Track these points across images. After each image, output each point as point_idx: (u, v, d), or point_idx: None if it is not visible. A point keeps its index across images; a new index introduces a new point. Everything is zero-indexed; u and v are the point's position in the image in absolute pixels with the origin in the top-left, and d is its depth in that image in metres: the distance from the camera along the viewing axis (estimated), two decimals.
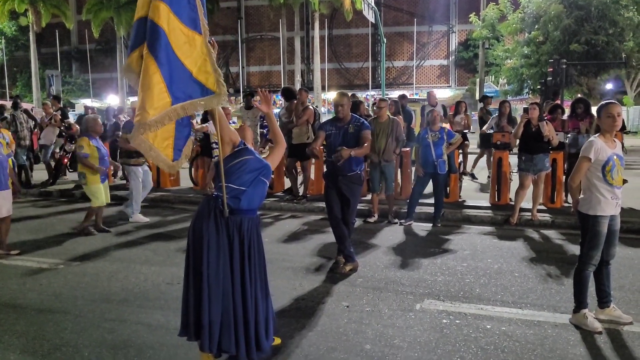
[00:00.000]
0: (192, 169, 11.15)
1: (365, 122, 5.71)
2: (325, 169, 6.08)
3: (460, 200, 9.29)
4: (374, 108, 8.19)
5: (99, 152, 7.34)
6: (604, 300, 4.25)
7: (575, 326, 4.12)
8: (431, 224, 7.93)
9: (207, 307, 3.17)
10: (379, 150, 7.82)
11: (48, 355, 3.75)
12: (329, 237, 7.26)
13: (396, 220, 8.12)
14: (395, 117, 8.36)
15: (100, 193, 7.38)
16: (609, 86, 26.89)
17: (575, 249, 6.55)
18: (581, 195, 4.20)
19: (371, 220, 8.13)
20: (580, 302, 4.17)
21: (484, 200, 9.22)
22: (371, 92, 30.78)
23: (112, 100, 33.15)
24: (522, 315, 4.41)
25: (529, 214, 7.99)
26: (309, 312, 4.49)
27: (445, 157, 7.78)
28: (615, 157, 4.05)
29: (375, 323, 4.25)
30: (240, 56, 36.34)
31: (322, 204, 9.12)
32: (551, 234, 7.39)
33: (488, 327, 4.17)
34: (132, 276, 5.53)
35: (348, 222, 5.67)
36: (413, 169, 10.89)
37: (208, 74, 3.06)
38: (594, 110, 10.53)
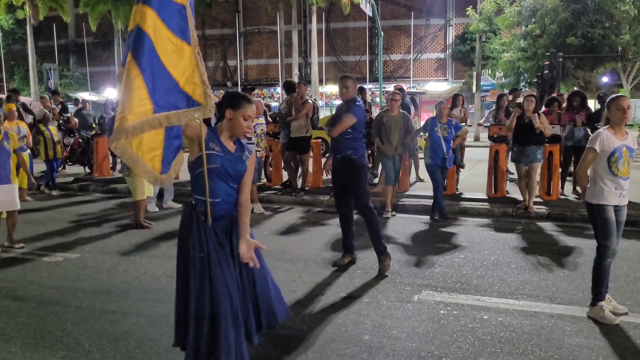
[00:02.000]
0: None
1: (359, 106, 5.48)
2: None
3: (457, 192, 9.34)
4: (389, 100, 8.05)
5: None
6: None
7: (593, 320, 4.10)
8: (428, 217, 7.98)
9: (192, 323, 3.06)
10: (393, 143, 7.78)
11: (49, 347, 3.78)
12: (327, 229, 7.32)
13: (394, 213, 8.18)
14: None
15: (140, 186, 7.40)
16: (605, 79, 26.91)
17: (570, 241, 6.63)
18: (588, 185, 4.26)
19: (387, 215, 7.98)
20: (597, 295, 4.17)
21: (481, 192, 9.27)
22: (369, 85, 30.74)
23: (109, 93, 33.03)
24: (518, 306, 4.47)
25: (524, 205, 8.05)
26: (307, 304, 4.53)
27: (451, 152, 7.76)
28: (624, 148, 4.09)
29: (374, 314, 4.30)
30: (238, 49, 36.21)
31: (320, 197, 9.18)
32: (547, 225, 7.45)
33: (485, 317, 4.22)
34: (132, 269, 5.56)
35: (361, 210, 5.48)
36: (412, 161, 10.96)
37: (195, 86, 2.98)
38: (590, 103, 10.57)
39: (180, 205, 8.70)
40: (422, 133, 8.13)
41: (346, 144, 5.47)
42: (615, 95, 4.34)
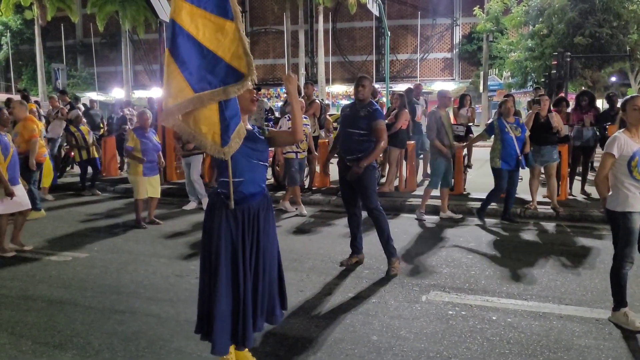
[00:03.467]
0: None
1: (380, 110, 5.45)
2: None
3: (465, 192, 9.31)
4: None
5: (145, 145, 7.41)
6: None
7: (615, 324, 4.06)
8: (438, 217, 7.97)
9: (218, 303, 3.17)
10: (452, 145, 7.64)
11: (59, 347, 3.81)
12: (334, 229, 7.32)
13: (460, 215, 8.01)
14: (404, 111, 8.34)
15: (140, 185, 7.43)
16: (613, 79, 26.74)
17: (579, 241, 6.61)
18: (609, 193, 4.12)
19: (422, 217, 7.82)
20: (619, 301, 4.08)
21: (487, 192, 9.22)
22: (375, 85, 30.75)
23: (117, 93, 33.21)
24: (527, 306, 4.45)
25: (532, 206, 8.04)
26: (315, 304, 4.54)
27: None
28: None
29: (382, 314, 4.30)
30: None
31: (328, 197, 9.19)
32: (556, 226, 7.41)
33: (494, 318, 4.21)
34: (141, 269, 5.59)
35: (370, 212, 5.37)
36: (420, 161, 10.94)
37: (240, 59, 3.11)
38: (598, 103, 10.51)
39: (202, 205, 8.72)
40: (486, 137, 7.58)
41: (360, 145, 5.36)
42: (631, 95, 4.24)
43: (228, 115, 3.14)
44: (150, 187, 7.52)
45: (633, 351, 3.64)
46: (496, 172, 7.43)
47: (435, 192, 8.06)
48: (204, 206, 8.47)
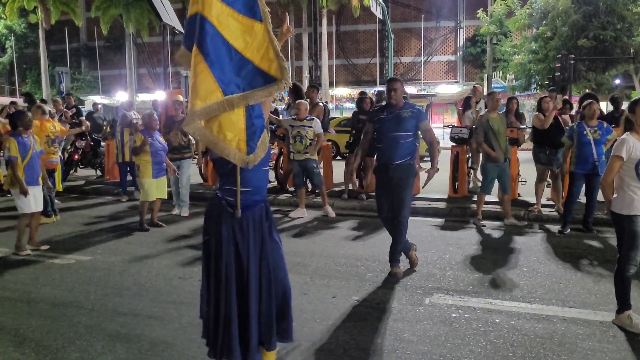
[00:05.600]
0: (202, 165, 11.21)
1: (421, 109, 5.33)
2: (375, 163, 5.72)
3: (468, 195, 9.30)
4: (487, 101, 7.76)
5: (153, 146, 7.42)
6: None
7: (619, 327, 4.04)
8: (443, 220, 7.95)
9: (230, 309, 3.11)
10: (503, 148, 7.41)
11: (62, 349, 3.81)
12: (338, 232, 7.32)
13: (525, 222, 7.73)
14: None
15: (148, 187, 7.44)
16: (617, 81, 26.67)
17: (583, 244, 6.59)
18: (614, 195, 4.09)
19: (480, 224, 7.57)
20: (623, 304, 4.06)
21: (493, 195, 9.20)
22: (379, 88, 30.77)
23: (121, 96, 33.33)
24: (530, 309, 4.44)
25: (536, 208, 8.02)
26: (319, 307, 4.54)
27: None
28: None
29: (385, 317, 4.29)
30: None
31: (331, 200, 9.18)
32: (559, 228, 7.38)
33: (497, 321, 4.20)
34: (144, 271, 5.60)
35: (398, 219, 5.24)
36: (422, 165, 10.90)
37: (271, 61, 2.98)
38: (602, 105, 10.46)
39: (187, 214, 8.65)
40: (569, 142, 7.18)
41: (409, 148, 5.24)
42: (638, 97, 4.22)
43: (255, 121, 3.03)
44: (158, 188, 7.54)
45: (637, 354, 3.62)
46: (571, 175, 7.23)
47: (440, 195, 8.03)
48: (183, 213, 8.48)
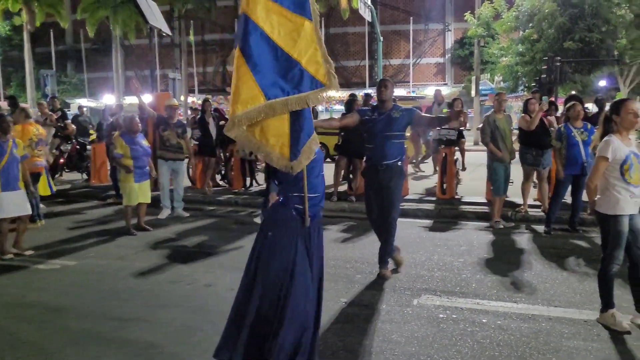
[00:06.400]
0: (190, 168, 11.21)
1: (410, 107, 5.42)
2: (364, 165, 5.71)
3: (456, 196, 9.38)
4: (494, 102, 7.77)
5: (135, 151, 7.39)
6: None
7: (604, 325, 4.10)
8: (431, 221, 8.01)
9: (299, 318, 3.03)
10: (510, 149, 7.46)
11: (56, 353, 3.81)
12: (327, 234, 7.27)
13: (502, 224, 7.72)
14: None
15: (131, 192, 7.42)
16: (603, 83, 26.99)
17: (568, 244, 6.68)
18: (599, 196, 4.15)
19: (499, 226, 7.56)
20: (606, 303, 4.13)
21: (481, 196, 9.31)
22: (368, 90, 30.88)
23: (107, 99, 33.10)
24: (517, 309, 4.50)
25: (523, 209, 8.12)
26: None
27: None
28: (633, 155, 4.00)
29: (373, 318, 4.33)
30: None
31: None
32: (545, 229, 7.47)
33: (484, 321, 4.26)
34: (134, 275, 5.60)
35: (387, 221, 5.30)
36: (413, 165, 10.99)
37: (319, 65, 2.85)
38: (587, 106, 10.60)
39: (188, 214, 8.70)
40: (557, 144, 7.18)
41: (399, 148, 5.30)
42: (622, 98, 4.28)
43: (300, 125, 2.89)
44: (141, 193, 7.51)
45: (621, 352, 3.70)
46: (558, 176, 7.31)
47: (428, 197, 8.08)
48: (162, 215, 8.46)
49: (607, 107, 6.95)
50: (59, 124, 11.98)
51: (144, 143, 7.66)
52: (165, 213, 8.62)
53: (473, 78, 28.34)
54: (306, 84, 2.84)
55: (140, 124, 7.68)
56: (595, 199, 4.17)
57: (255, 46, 2.77)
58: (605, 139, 4.11)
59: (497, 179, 7.62)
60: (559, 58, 18.24)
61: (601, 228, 4.20)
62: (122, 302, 4.82)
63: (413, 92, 30.53)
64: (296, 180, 2.99)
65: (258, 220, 7.94)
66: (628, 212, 4.04)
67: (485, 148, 7.73)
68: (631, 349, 3.74)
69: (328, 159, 15.90)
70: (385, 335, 4.01)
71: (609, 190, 4.07)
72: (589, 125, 7.17)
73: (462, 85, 33.16)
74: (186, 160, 10.74)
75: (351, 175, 9.53)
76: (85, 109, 14.07)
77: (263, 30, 2.78)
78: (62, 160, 12.07)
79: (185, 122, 10.40)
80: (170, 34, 13.76)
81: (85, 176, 12.60)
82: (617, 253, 4.07)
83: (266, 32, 2.79)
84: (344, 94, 29.04)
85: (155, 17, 11.12)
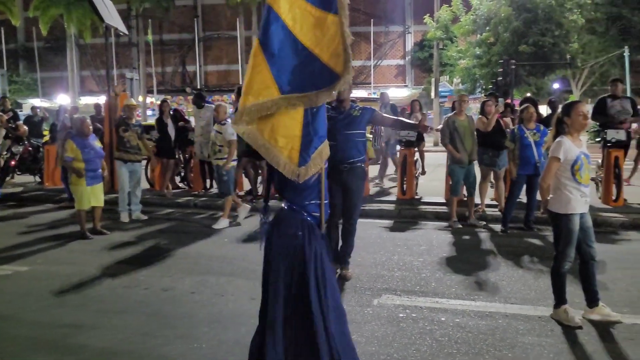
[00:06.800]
0: (148, 170, 10.98)
1: (368, 107, 5.42)
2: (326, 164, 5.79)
3: (416, 197, 9.49)
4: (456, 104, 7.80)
5: (86, 154, 7.14)
6: (593, 299, 4.26)
7: (557, 321, 4.19)
8: (392, 221, 8.07)
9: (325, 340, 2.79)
10: (468, 151, 7.51)
11: None
12: None
13: (483, 223, 7.88)
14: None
15: (83, 196, 7.17)
16: (556, 86, 27.89)
17: (524, 242, 6.84)
18: (550, 195, 4.26)
19: (455, 226, 7.66)
20: (560, 299, 4.24)
21: (440, 196, 9.45)
22: None
23: (62, 99, 32.12)
24: (474, 307, 4.58)
25: (480, 208, 8.28)
26: None
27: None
28: (583, 156, 4.11)
29: None
30: (197, 55, 35.85)
31: (282, 204, 9.16)
32: (501, 228, 7.63)
33: (442, 319, 4.30)
34: (87, 280, 5.42)
35: (349, 222, 5.31)
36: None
37: (338, 56, 2.68)
38: (541, 109, 10.92)
39: (146, 217, 8.50)
40: (511, 145, 7.33)
41: (361, 146, 5.29)
42: (572, 101, 4.40)
43: (314, 129, 2.73)
44: (94, 196, 7.28)
45: (572, 347, 3.80)
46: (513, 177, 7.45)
47: (389, 197, 8.16)
48: (124, 219, 8.27)
49: (560, 109, 7.18)
50: (10, 125, 11.53)
51: (97, 145, 7.44)
52: (124, 216, 8.40)
53: (432, 80, 28.83)
54: (325, 79, 2.69)
55: (91, 126, 7.46)
56: (548, 198, 4.28)
57: (275, 37, 2.66)
58: (557, 140, 4.21)
59: (454, 180, 7.76)
60: (514, 61, 18.76)
61: (553, 226, 4.31)
62: (74, 308, 4.66)
63: (374, 93, 30.76)
64: (313, 186, 2.85)
65: (219, 225, 7.81)
66: (579, 210, 4.15)
67: (442, 149, 7.84)
68: (582, 344, 3.85)
69: None
70: None
71: (561, 189, 4.17)
72: (542, 127, 7.38)
73: (422, 87, 33.68)
74: (144, 162, 10.54)
75: None
76: (38, 109, 13.53)
77: (285, 22, 2.67)
78: (13, 163, 11.62)
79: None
80: (126, 33, 13.44)
81: (38, 179, 12.18)
82: (568, 251, 4.18)
83: (288, 25, 2.68)
84: None
85: (111, 16, 10.84)
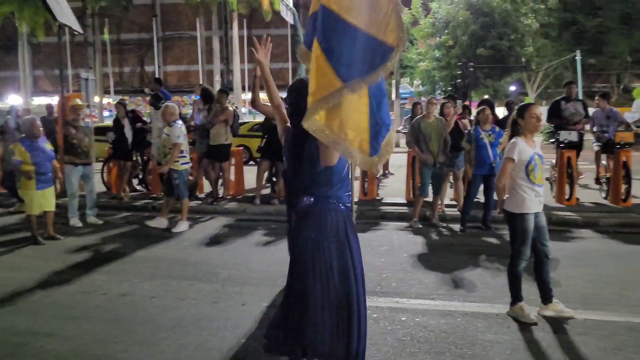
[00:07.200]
0: (104, 173, 10.72)
1: None
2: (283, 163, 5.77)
3: (377, 197, 9.58)
4: (427, 106, 7.90)
5: (36, 157, 6.88)
6: (547, 296, 4.38)
7: (513, 318, 4.29)
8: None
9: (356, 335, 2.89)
10: (433, 152, 7.58)
11: None
12: (250, 238, 7.27)
13: (443, 224, 8.01)
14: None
15: (32, 200, 6.91)
16: (513, 88, 28.69)
17: (482, 242, 7.00)
18: (506, 195, 4.36)
19: (415, 226, 7.80)
20: (516, 296, 4.34)
21: (401, 197, 9.57)
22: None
23: (13, 100, 31.03)
24: (435, 306, 4.65)
25: (440, 209, 8.43)
26: (230, 315, 4.47)
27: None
28: (536, 156, 4.24)
29: None
30: (157, 55, 35.23)
31: (244, 206, 9.10)
32: (460, 227, 7.79)
33: (403, 319, 4.35)
34: (44, 286, 5.25)
35: None
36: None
37: (392, 31, 2.74)
38: (497, 111, 11.20)
39: (101, 222, 8.27)
40: (468, 146, 7.53)
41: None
42: (526, 103, 4.53)
43: (380, 119, 2.79)
44: (44, 200, 7.03)
45: (528, 343, 3.91)
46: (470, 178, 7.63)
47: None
48: (76, 224, 7.98)
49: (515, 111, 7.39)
50: None
51: (47, 147, 7.19)
52: (75, 222, 8.12)
53: (393, 82, 29.19)
54: (381, 55, 2.75)
55: (41, 127, 7.21)
56: (504, 198, 4.39)
57: (332, 34, 2.69)
58: (511, 141, 4.34)
59: (422, 181, 7.93)
60: (472, 64, 19.21)
61: (509, 226, 4.42)
62: (29, 315, 4.50)
63: None
64: (345, 178, 2.95)
65: (179, 229, 7.68)
66: (533, 210, 4.27)
67: (403, 150, 7.96)
68: (537, 339, 3.96)
69: (251, 162, 15.81)
70: None
71: (516, 189, 4.29)
72: (497, 128, 7.61)
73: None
74: (100, 164, 10.30)
75: (274, 178, 9.49)
76: None
77: (339, 15, 2.69)
78: None
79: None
80: (81, 31, 13.06)
81: None
82: (524, 249, 4.30)
83: (342, 16, 2.69)
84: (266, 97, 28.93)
85: (65, 14, 10.50)
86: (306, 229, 2.92)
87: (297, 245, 3.01)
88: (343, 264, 2.93)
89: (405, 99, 31.61)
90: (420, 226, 7.84)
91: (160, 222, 7.78)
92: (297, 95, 2.97)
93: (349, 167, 2.97)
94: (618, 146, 8.82)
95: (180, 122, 7.77)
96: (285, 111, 3.24)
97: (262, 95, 4.93)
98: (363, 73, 2.71)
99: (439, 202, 8.25)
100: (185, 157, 7.74)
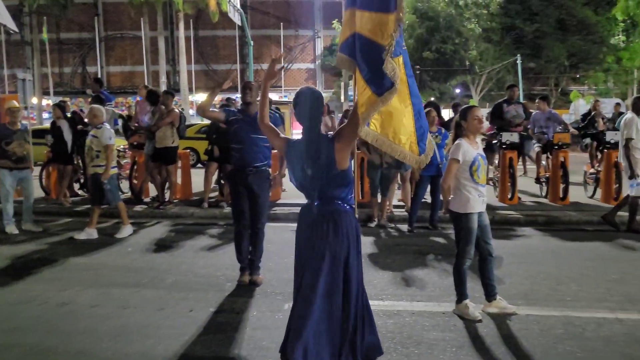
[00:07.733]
0: (43, 177, 10.27)
1: (277, 115, 5.42)
2: (230, 166, 5.60)
3: None
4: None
5: None
6: (491, 294, 4.48)
7: (459, 316, 4.38)
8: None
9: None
10: (380, 153, 7.51)
11: None
12: (197, 242, 7.13)
13: (392, 225, 8.10)
14: None
15: None
16: (458, 90, 29.48)
17: (429, 242, 7.13)
18: (451, 195, 4.46)
19: (372, 225, 7.94)
20: (461, 294, 4.43)
21: None
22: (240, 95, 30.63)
23: None
24: (383, 306, 4.69)
25: (388, 209, 8.53)
26: (176, 322, 4.36)
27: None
28: (480, 157, 4.35)
29: (244, 326, 4.25)
30: (99, 55, 34.14)
31: (191, 209, 8.92)
32: (408, 227, 7.91)
33: None
34: None
35: (257, 226, 5.30)
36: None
37: (388, 37, 3.08)
38: (443, 113, 11.46)
39: (40, 229, 7.89)
40: None
41: (267, 151, 5.27)
42: (469, 105, 4.63)
43: (423, 123, 3.28)
44: None
45: (473, 340, 4.00)
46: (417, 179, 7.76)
47: (300, 200, 8.17)
48: (12, 231, 7.61)
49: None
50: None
51: None
52: (11, 228, 7.73)
53: (342, 84, 29.45)
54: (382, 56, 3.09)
55: None
56: (449, 198, 4.48)
57: (365, 55, 3.13)
58: (456, 142, 4.44)
59: (371, 183, 8.07)
60: (418, 67, 19.63)
61: (454, 225, 4.52)
62: None
63: (285, 96, 30.89)
64: (352, 181, 3.29)
65: (122, 234, 7.42)
66: (477, 210, 4.38)
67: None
68: (482, 336, 4.06)
69: (199, 164, 15.55)
70: (256, 342, 3.95)
71: (460, 190, 4.39)
72: (443, 130, 7.79)
73: (332, 90, 34.28)
74: (38, 168, 9.88)
75: (222, 181, 9.36)
76: None
77: (367, 37, 3.12)
78: None
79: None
80: (17, 30, 12.50)
81: None
82: (468, 248, 4.40)
83: (370, 37, 3.11)
84: (216, 98, 28.59)
85: (0, 13, 10.01)
86: (326, 228, 3.22)
87: (314, 244, 3.32)
88: (352, 259, 3.29)
89: (350, 100, 31.99)
90: (372, 226, 7.93)
91: (89, 234, 7.37)
92: (305, 102, 3.39)
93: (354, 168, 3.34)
94: (556, 147, 9.20)
95: (107, 124, 7.50)
96: (275, 127, 3.61)
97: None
98: (390, 83, 3.05)
99: (387, 203, 8.36)
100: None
